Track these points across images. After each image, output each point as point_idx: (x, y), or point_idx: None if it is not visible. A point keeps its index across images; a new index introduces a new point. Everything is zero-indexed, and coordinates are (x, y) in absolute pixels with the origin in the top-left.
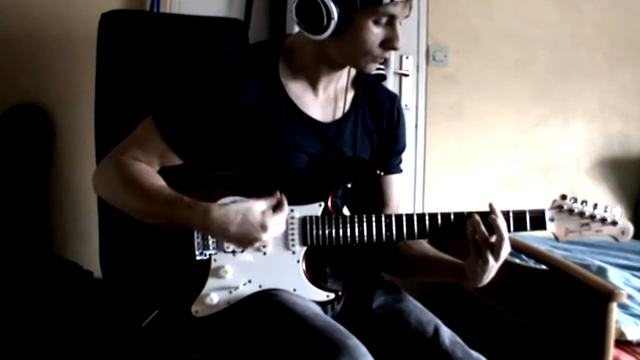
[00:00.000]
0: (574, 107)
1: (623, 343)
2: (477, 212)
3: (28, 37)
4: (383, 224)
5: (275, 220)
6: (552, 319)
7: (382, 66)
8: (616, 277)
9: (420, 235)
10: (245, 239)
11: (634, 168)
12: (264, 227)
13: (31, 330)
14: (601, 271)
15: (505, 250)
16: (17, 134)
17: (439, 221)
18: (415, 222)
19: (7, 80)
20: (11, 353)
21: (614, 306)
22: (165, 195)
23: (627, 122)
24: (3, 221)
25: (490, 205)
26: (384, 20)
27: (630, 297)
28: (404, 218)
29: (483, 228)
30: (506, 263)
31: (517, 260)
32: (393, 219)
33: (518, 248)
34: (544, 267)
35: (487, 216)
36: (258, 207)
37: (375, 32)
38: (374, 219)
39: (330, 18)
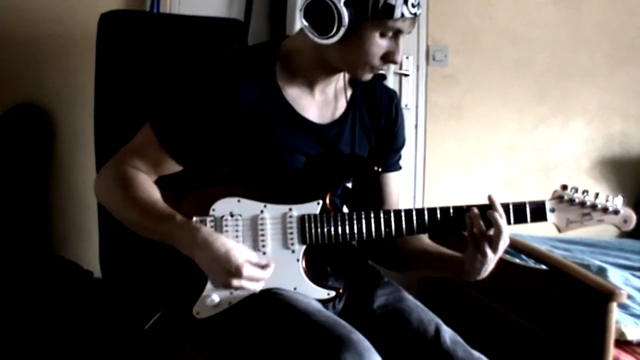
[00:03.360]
0: (574, 107)
1: (623, 343)
2: (476, 205)
3: (28, 38)
4: (382, 220)
5: (253, 274)
6: (552, 319)
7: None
8: (616, 277)
9: (420, 231)
10: (217, 274)
11: (634, 168)
12: (238, 273)
13: (31, 330)
14: (601, 271)
15: (504, 243)
16: (17, 134)
17: (438, 216)
18: (415, 218)
19: (7, 80)
20: (11, 353)
21: (614, 306)
22: (157, 209)
23: (627, 122)
24: (3, 221)
25: (490, 198)
26: (390, 33)
27: (630, 297)
28: (403, 214)
29: (481, 221)
30: (506, 263)
31: (517, 260)
32: (392, 215)
33: (518, 248)
34: (544, 267)
35: (486, 210)
36: (244, 253)
37: (380, 44)
38: (372, 215)
39: (341, 24)
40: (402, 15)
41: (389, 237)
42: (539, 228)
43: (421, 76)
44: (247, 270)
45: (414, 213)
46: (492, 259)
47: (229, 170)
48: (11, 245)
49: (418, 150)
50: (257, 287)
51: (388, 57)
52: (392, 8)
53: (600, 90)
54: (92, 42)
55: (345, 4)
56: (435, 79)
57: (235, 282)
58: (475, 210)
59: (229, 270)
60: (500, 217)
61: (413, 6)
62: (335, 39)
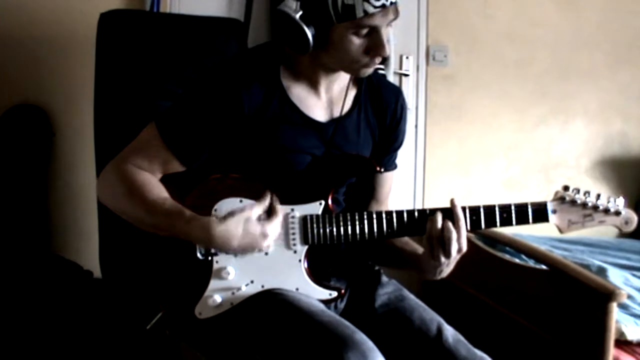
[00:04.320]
0: (574, 107)
1: (623, 343)
2: (440, 209)
3: (28, 37)
4: (384, 220)
5: (273, 225)
6: (552, 319)
7: (382, 66)
8: (616, 277)
9: (422, 232)
10: (249, 249)
11: (634, 168)
12: (264, 235)
13: (31, 330)
14: (601, 271)
15: (456, 248)
16: (17, 134)
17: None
18: (417, 218)
19: (7, 80)
20: (11, 353)
21: (614, 306)
22: (167, 207)
23: (627, 122)
24: (3, 221)
25: (451, 202)
26: (364, 31)
27: (630, 297)
28: (405, 214)
29: (438, 226)
30: (506, 263)
31: (517, 260)
32: (394, 215)
33: (518, 248)
34: (544, 267)
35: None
36: (255, 215)
37: (358, 43)
38: (374, 216)
39: (306, 38)
40: (365, 13)
41: (390, 237)
42: (539, 228)
43: (421, 76)
44: (269, 228)
45: (416, 214)
46: (445, 263)
47: (231, 171)
48: (11, 245)
49: (418, 150)
50: (280, 228)
51: (372, 53)
52: (352, 8)
53: (600, 90)
54: (92, 42)
55: (302, 17)
56: (435, 79)
57: (267, 243)
58: (437, 214)
59: (258, 241)
60: (455, 222)
61: None
62: (309, 50)
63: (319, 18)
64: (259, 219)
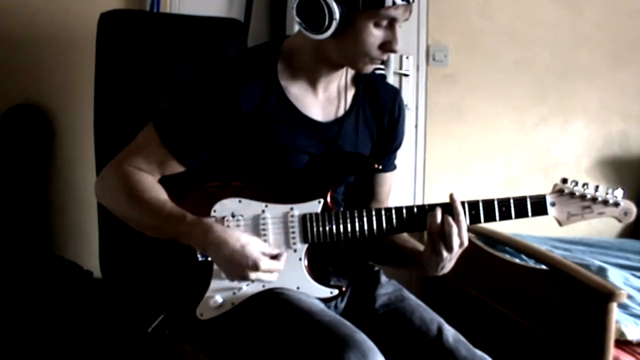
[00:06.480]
0: (574, 107)
1: (623, 343)
2: (440, 204)
3: (28, 38)
4: (383, 217)
5: (270, 266)
6: (552, 319)
7: (382, 66)
8: (616, 277)
9: (422, 228)
10: (235, 269)
11: (634, 168)
12: (255, 266)
13: (31, 330)
14: (601, 271)
15: (458, 242)
16: (17, 134)
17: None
18: (416, 214)
19: (7, 80)
20: (11, 353)
21: (614, 306)
22: (168, 209)
23: (627, 122)
24: (3, 221)
25: (450, 197)
26: (384, 22)
27: (630, 297)
28: (404, 210)
29: (438, 220)
30: (506, 263)
31: (517, 260)
32: (393, 212)
33: (518, 248)
34: (544, 267)
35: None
36: (259, 246)
37: (375, 34)
38: (374, 213)
39: (332, 18)
40: (394, 2)
41: (390, 233)
42: (539, 228)
43: (421, 76)
44: (264, 264)
45: (415, 210)
46: (447, 258)
47: (230, 175)
48: (11, 245)
49: (418, 150)
50: (273, 277)
51: (386, 47)
52: None
53: (600, 90)
54: (92, 42)
55: None
56: (435, 79)
57: (253, 275)
58: (437, 209)
59: (247, 265)
60: (455, 216)
61: None
62: (328, 33)
63: (345, 1)
64: (261, 252)
